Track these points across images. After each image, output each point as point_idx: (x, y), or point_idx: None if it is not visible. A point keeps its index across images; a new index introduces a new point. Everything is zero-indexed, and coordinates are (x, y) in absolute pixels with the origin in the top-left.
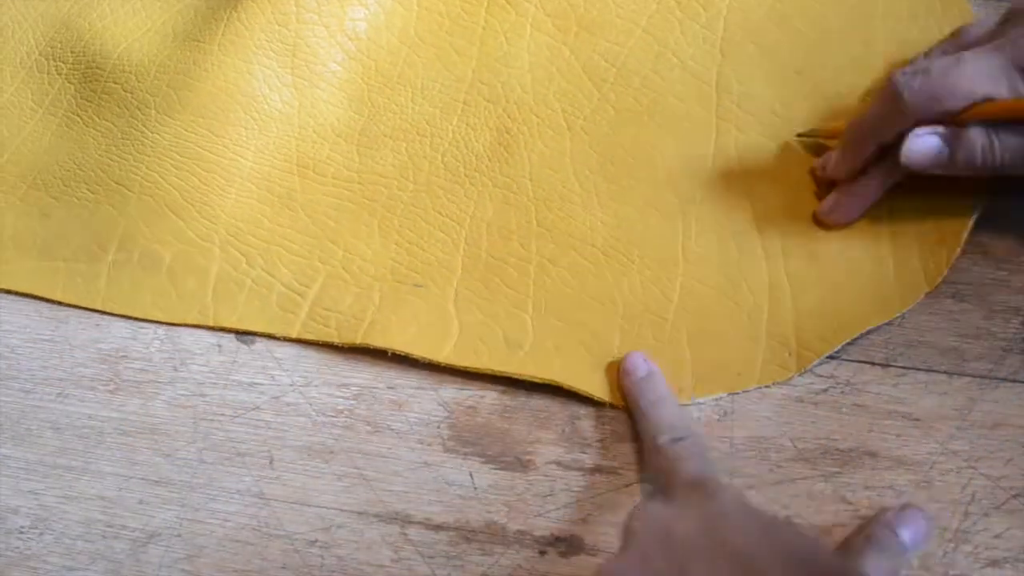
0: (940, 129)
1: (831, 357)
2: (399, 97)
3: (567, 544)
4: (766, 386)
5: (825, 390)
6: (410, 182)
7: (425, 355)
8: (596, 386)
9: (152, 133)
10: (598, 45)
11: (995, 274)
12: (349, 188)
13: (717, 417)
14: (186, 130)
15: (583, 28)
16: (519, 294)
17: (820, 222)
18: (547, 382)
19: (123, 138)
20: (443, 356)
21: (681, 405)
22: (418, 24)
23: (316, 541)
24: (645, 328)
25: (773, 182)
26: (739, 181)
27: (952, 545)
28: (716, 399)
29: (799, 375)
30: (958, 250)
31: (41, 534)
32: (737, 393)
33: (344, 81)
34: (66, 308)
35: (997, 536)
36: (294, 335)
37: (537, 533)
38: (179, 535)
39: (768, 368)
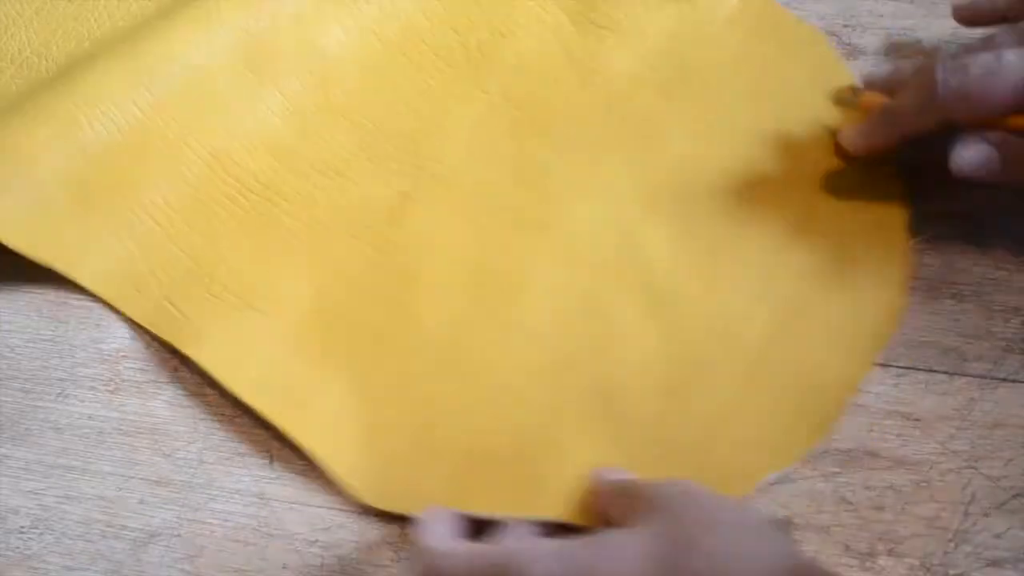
0: (990, 136)
1: None
2: (334, 128)
3: None
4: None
5: None
6: (304, 213)
7: (225, 380)
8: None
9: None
10: (539, 153)
11: (995, 274)
12: (247, 199)
13: None
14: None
15: (536, 131)
16: (359, 362)
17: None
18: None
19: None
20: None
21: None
22: (384, 62)
23: (316, 541)
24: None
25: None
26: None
27: (952, 545)
28: None
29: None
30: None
31: (41, 534)
32: None
33: (296, 94)
34: (66, 308)
35: (997, 536)
36: (136, 318)
37: None
38: (179, 535)
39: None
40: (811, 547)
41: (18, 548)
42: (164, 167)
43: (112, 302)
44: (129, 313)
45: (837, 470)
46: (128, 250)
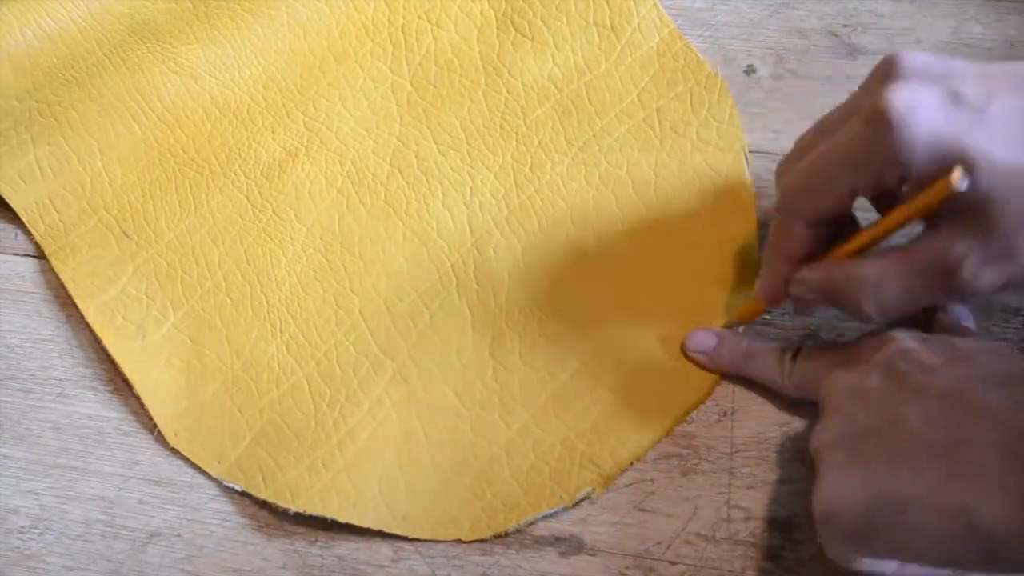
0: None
1: None
2: (245, 69)
3: (567, 544)
4: (767, 385)
5: None
6: (196, 150)
7: (79, 298)
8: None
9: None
10: (422, 143)
11: None
12: (148, 119)
13: (717, 417)
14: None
15: (427, 122)
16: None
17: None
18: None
19: None
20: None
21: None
22: (312, 19)
23: (316, 541)
24: None
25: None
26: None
27: None
28: (715, 401)
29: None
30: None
31: (41, 534)
32: (737, 393)
33: (224, 26)
34: (66, 308)
35: None
36: (17, 209)
37: (537, 533)
38: (179, 535)
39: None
40: (811, 547)
41: (18, 548)
42: (75, 71)
43: (4, 196)
44: (12, 203)
45: None
46: (23, 140)
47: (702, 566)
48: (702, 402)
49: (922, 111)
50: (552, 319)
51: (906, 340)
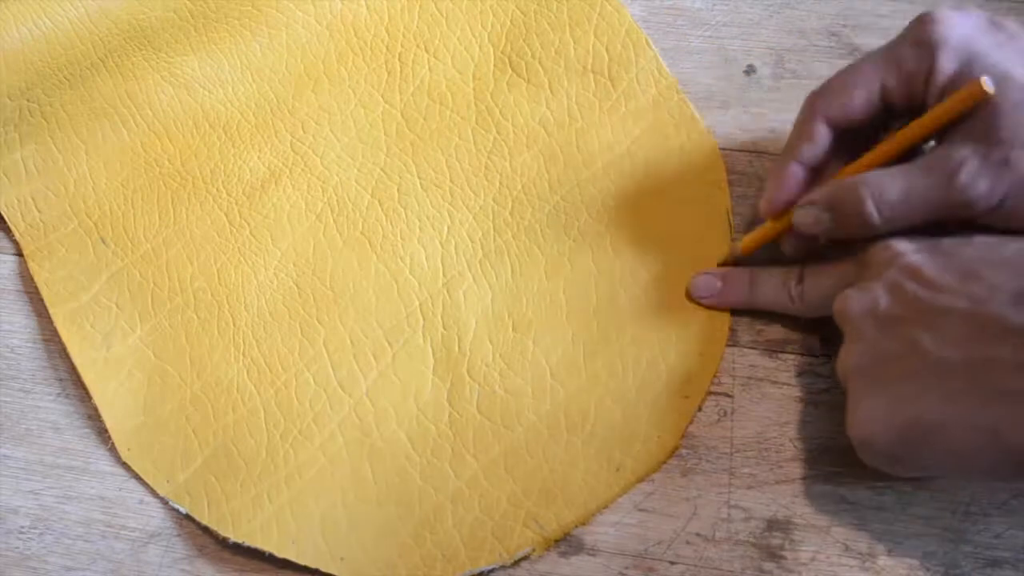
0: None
1: (831, 357)
2: (239, 85)
3: (567, 544)
4: (767, 385)
5: (826, 390)
6: (181, 163)
7: (50, 301)
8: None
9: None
10: (405, 177)
11: None
12: (138, 125)
13: (717, 417)
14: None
15: (413, 155)
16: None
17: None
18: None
19: None
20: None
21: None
22: (311, 38)
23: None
24: None
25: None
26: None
27: (952, 545)
28: (715, 401)
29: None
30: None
31: (41, 534)
32: (737, 393)
33: (221, 41)
34: None
35: (997, 536)
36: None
37: None
38: (179, 535)
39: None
40: (811, 547)
41: (18, 548)
42: (68, 73)
43: None
44: None
45: (837, 470)
46: (10, 138)
47: (702, 566)
48: (699, 407)
49: (961, 20)
50: (514, 371)
51: (909, 255)
